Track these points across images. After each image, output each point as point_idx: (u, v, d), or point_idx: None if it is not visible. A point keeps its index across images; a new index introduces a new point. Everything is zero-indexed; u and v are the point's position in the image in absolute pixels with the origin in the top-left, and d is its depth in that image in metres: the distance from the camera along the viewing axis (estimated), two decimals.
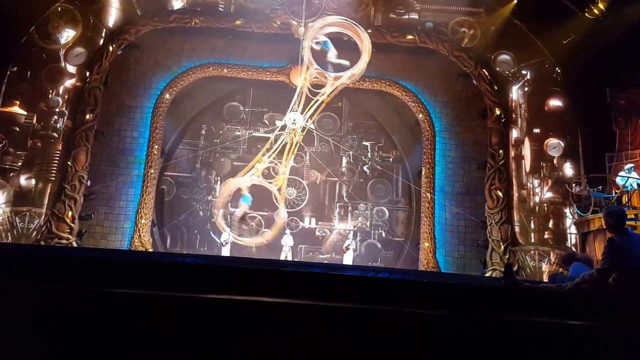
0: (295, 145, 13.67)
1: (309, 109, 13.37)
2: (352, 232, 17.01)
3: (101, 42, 15.76)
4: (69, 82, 15.35)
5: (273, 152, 13.62)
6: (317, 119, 17.21)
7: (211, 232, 16.75)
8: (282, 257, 15.45)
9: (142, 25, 15.93)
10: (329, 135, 17.49)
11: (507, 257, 14.57)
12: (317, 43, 12.97)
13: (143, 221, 15.37)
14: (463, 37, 16.22)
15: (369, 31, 15.89)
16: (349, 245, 15.70)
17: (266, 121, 17.69)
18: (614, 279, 5.08)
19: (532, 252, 14.41)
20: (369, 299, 4.09)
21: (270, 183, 13.67)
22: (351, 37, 13.32)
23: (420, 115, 16.66)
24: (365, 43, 12.93)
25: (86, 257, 7.81)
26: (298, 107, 13.35)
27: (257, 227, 16.95)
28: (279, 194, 13.61)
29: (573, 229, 14.40)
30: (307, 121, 13.68)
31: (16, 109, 14.64)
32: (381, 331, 3.61)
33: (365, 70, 16.64)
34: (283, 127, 13.71)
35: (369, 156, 17.73)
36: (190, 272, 5.01)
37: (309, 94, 13.26)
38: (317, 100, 13.27)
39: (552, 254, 14.15)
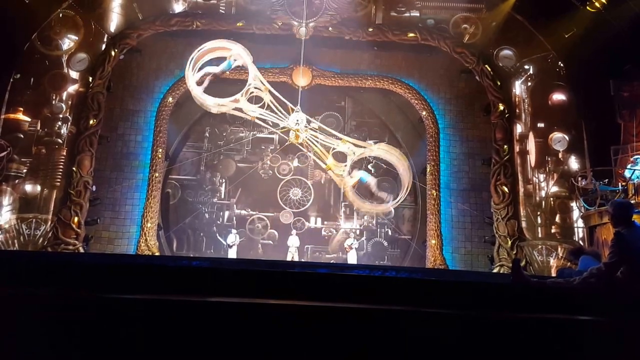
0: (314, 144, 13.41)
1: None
2: (357, 231, 16.98)
3: (103, 47, 15.77)
4: (72, 88, 15.38)
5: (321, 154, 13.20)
6: (320, 118, 17.27)
7: (217, 235, 16.78)
8: (289, 258, 15.46)
9: (144, 30, 15.95)
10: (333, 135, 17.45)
11: (514, 252, 14.51)
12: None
13: (149, 225, 15.39)
14: (465, 34, 16.18)
15: (370, 30, 15.93)
16: (351, 244, 15.69)
17: (269, 122, 17.66)
18: (622, 272, 5.06)
19: (540, 246, 14.35)
20: (377, 299, 4.08)
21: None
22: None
23: (424, 113, 16.62)
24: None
25: (92, 263, 7.82)
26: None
27: (263, 227, 17.00)
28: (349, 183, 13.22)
29: (580, 223, 14.33)
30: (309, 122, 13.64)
31: (20, 116, 14.67)
32: (389, 331, 3.60)
33: (367, 68, 16.76)
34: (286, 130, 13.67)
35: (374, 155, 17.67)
36: (196, 275, 5.01)
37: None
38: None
39: (559, 249, 14.09)
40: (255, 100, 13.09)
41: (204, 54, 12.74)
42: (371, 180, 13.51)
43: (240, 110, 13.06)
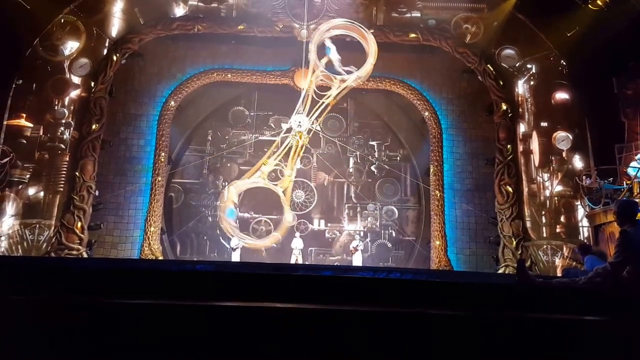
0: (302, 148, 13.62)
1: (315, 111, 13.32)
2: (361, 233, 16.94)
3: (105, 52, 15.80)
4: (74, 93, 15.41)
5: (279, 155, 13.56)
6: (322, 120, 17.25)
7: (221, 238, 16.76)
8: (293, 261, 15.42)
9: (145, 34, 15.98)
10: (335, 137, 17.46)
11: (519, 252, 14.44)
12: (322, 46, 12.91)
13: (152, 229, 15.39)
14: (466, 34, 16.15)
15: (372, 31, 15.91)
16: (357, 246, 15.64)
17: (272, 124, 17.71)
18: (628, 271, 5.02)
19: (545, 246, 14.28)
20: (381, 301, 4.05)
21: (276, 185, 13.61)
22: (357, 39, 13.23)
23: (426, 113, 16.59)
24: (371, 45, 12.88)
25: (96, 268, 7.81)
26: (304, 109, 13.31)
27: (267, 231, 16.96)
28: (284, 197, 13.54)
29: (585, 222, 14.26)
30: (312, 123, 13.64)
31: (23, 122, 14.73)
32: (394, 334, 3.57)
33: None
34: (289, 130, 13.67)
35: (376, 156, 17.68)
36: (200, 279, 4.99)
37: (314, 97, 13.20)
38: (322, 103, 13.23)
39: (564, 248, 14.02)
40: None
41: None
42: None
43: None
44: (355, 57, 16.48)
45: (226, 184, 17.39)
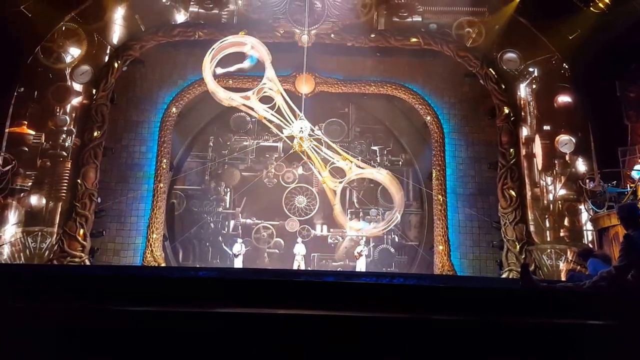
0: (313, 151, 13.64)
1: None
2: (364, 238, 16.85)
3: (106, 59, 15.85)
4: (75, 101, 15.45)
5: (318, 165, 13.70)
6: (324, 125, 17.26)
7: (223, 244, 16.73)
8: (295, 266, 15.36)
9: (147, 41, 16.02)
10: (337, 142, 17.40)
11: (523, 257, 14.36)
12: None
13: (155, 236, 15.36)
14: (467, 38, 16.15)
15: (373, 36, 15.93)
16: (361, 251, 15.57)
17: (273, 130, 17.66)
18: (632, 275, 4.96)
19: (549, 250, 14.21)
20: (385, 307, 4.01)
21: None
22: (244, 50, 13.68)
23: (428, 118, 16.56)
24: (264, 53, 13.54)
25: (98, 275, 7.79)
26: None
27: (269, 236, 16.94)
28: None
29: (589, 226, 14.19)
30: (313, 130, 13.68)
31: (24, 129, 14.75)
32: (398, 340, 3.53)
33: (370, 74, 16.74)
34: (290, 136, 13.67)
35: (378, 160, 17.63)
36: (203, 286, 4.96)
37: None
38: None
39: (568, 252, 13.95)
40: (265, 100, 13.46)
41: (222, 49, 13.17)
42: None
43: (249, 107, 13.26)
44: (356, 62, 16.65)
45: (228, 190, 17.43)
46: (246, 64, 13.48)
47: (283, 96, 13.11)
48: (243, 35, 15.87)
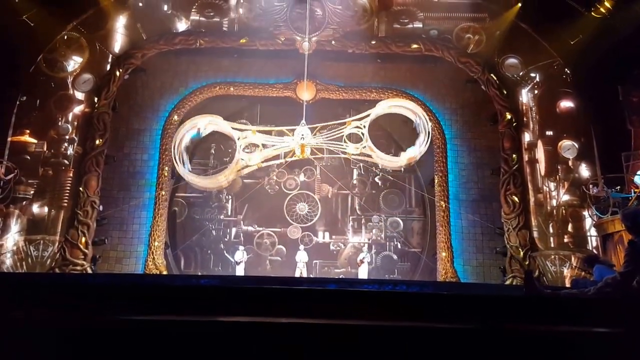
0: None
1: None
2: (366, 245, 16.79)
3: (108, 67, 15.94)
4: (77, 109, 15.51)
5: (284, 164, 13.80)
6: (325, 132, 17.21)
7: (225, 252, 16.68)
8: (297, 274, 15.30)
9: (148, 49, 16.10)
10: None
11: (527, 263, 14.28)
12: None
13: (156, 244, 15.33)
14: (468, 43, 16.15)
15: (373, 42, 15.97)
16: (363, 258, 15.50)
17: (275, 137, 17.65)
18: (638, 281, 4.90)
19: (553, 257, 14.11)
20: (387, 315, 3.96)
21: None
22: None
23: (430, 124, 16.49)
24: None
25: (100, 284, 7.76)
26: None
27: (271, 243, 16.90)
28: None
29: (593, 232, 14.11)
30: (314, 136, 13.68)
31: (27, 138, 14.81)
32: (402, 349, 3.48)
33: (371, 81, 16.78)
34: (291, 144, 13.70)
35: (380, 167, 17.57)
36: (205, 295, 4.93)
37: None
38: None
39: (573, 258, 13.84)
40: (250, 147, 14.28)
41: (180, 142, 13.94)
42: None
43: (245, 167, 14.11)
44: (357, 69, 16.66)
45: (230, 197, 17.38)
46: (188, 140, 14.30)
47: (260, 131, 13.98)
48: (244, 41, 15.99)
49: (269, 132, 14.34)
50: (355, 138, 14.02)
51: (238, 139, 13.81)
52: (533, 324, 3.87)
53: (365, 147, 13.72)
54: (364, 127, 13.76)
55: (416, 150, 14.12)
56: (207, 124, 14.03)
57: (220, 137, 17.79)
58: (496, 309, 4.38)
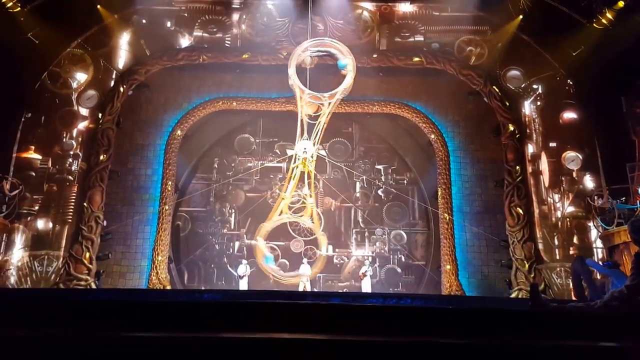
0: (313, 171, 13.72)
1: (315, 133, 13.45)
2: (370, 258, 16.70)
3: (112, 83, 16.09)
4: (82, 125, 15.64)
5: (292, 187, 13.64)
6: (328, 145, 17.25)
7: (228, 266, 16.63)
8: (301, 288, 15.18)
9: (152, 65, 16.25)
10: (341, 161, 17.40)
11: (532, 275, 14.16)
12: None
13: (160, 258, 15.32)
14: (470, 56, 16.23)
15: (375, 56, 16.05)
16: (365, 271, 15.39)
17: (277, 151, 17.72)
18: None
19: (558, 269, 14.00)
20: (392, 330, 3.93)
21: (301, 217, 13.63)
22: (334, 53, 13.69)
23: (432, 136, 16.53)
24: (346, 53, 13.48)
25: (104, 300, 7.74)
26: (302, 134, 13.43)
27: (275, 257, 16.82)
28: (314, 224, 13.59)
29: (599, 243, 13.98)
30: (317, 148, 13.69)
31: (32, 154, 14.94)
32: None
33: (373, 94, 16.79)
34: (294, 157, 13.71)
35: (383, 180, 17.56)
36: (208, 311, 4.91)
37: (309, 120, 13.39)
38: (319, 122, 13.36)
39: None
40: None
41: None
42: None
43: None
44: (359, 82, 16.74)
45: (233, 211, 17.35)
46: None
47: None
48: (246, 56, 16.11)
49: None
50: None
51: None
52: (539, 339, 3.83)
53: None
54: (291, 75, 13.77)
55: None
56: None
57: (222, 151, 17.89)
58: (502, 323, 4.33)
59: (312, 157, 13.59)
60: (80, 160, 15.31)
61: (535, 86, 15.85)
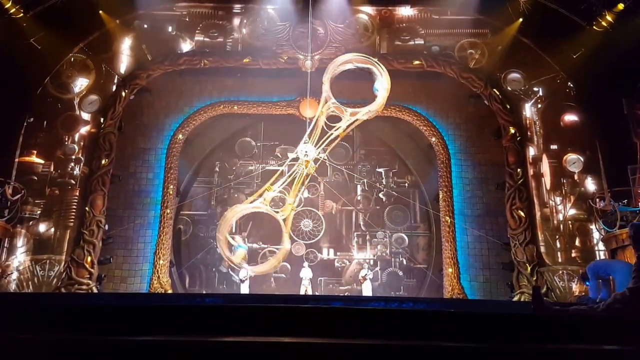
0: (307, 177, 13.60)
1: (323, 141, 13.38)
2: (370, 261, 16.68)
3: (114, 88, 16.15)
4: (84, 129, 15.72)
5: (284, 182, 13.54)
6: (329, 149, 17.25)
7: (229, 270, 16.61)
8: (302, 291, 15.18)
9: (153, 70, 16.31)
10: (342, 165, 17.41)
11: (534, 278, 14.12)
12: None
13: (161, 262, 15.33)
14: (470, 59, 16.26)
15: (375, 59, 16.04)
16: (365, 275, 15.37)
17: (278, 154, 17.74)
18: None
19: (561, 272, 13.97)
20: (394, 334, 3.92)
21: (277, 212, 13.50)
22: (370, 71, 13.35)
23: (433, 139, 16.53)
24: (385, 78, 12.98)
25: (105, 304, 7.73)
26: (310, 139, 13.34)
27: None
28: (284, 225, 13.41)
29: (601, 246, 13.96)
30: (319, 152, 13.66)
31: (34, 159, 15.01)
32: None
33: (373, 96, 16.75)
34: (295, 159, 13.70)
35: (384, 183, 17.56)
36: (209, 315, 4.91)
37: (325, 128, 13.27)
38: (331, 134, 13.29)
39: (581, 273, 13.68)
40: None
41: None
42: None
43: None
44: (360, 86, 16.74)
45: None
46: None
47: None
48: (247, 61, 16.14)
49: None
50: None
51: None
52: (542, 343, 3.83)
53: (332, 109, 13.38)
54: (325, 82, 13.43)
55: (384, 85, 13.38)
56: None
57: (224, 154, 17.91)
58: (504, 327, 4.33)
59: (314, 162, 13.57)
60: (82, 164, 15.37)
61: (535, 89, 15.88)
